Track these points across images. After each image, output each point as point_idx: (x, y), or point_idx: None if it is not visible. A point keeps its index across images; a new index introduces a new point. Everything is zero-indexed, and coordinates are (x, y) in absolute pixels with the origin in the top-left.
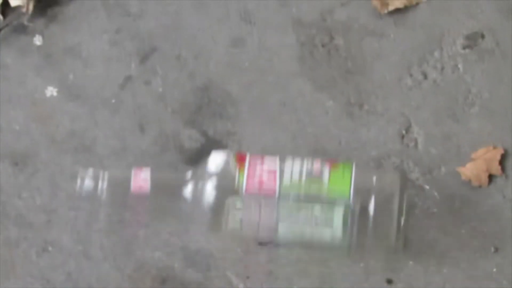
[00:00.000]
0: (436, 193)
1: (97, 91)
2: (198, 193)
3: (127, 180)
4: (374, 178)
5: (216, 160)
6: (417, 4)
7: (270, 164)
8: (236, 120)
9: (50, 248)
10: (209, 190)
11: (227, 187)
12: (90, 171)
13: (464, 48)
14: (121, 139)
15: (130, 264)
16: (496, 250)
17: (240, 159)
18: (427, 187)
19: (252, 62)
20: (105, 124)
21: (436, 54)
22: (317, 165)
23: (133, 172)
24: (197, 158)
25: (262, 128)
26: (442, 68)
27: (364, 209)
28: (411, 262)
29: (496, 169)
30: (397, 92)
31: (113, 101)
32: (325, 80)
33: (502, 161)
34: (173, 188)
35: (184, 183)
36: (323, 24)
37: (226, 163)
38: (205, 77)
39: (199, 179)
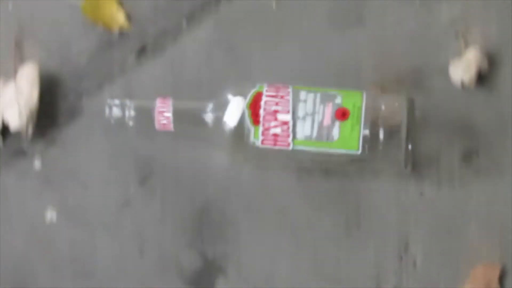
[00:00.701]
0: None
1: (96, 215)
2: (217, 123)
3: (153, 110)
4: (383, 107)
5: (232, 109)
6: None
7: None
8: (236, 242)
9: None
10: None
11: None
12: (117, 101)
13: (460, 165)
14: (121, 263)
15: None
16: None
17: (255, 115)
18: None
19: (250, 183)
20: (105, 249)
21: (433, 171)
22: (327, 121)
23: (155, 110)
24: (197, 280)
25: (261, 250)
26: (439, 186)
27: (374, 136)
28: None
29: (495, 286)
30: (394, 211)
31: (113, 224)
32: (323, 199)
33: (501, 278)
34: (195, 118)
35: (204, 113)
36: None
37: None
38: (204, 199)
39: (218, 114)
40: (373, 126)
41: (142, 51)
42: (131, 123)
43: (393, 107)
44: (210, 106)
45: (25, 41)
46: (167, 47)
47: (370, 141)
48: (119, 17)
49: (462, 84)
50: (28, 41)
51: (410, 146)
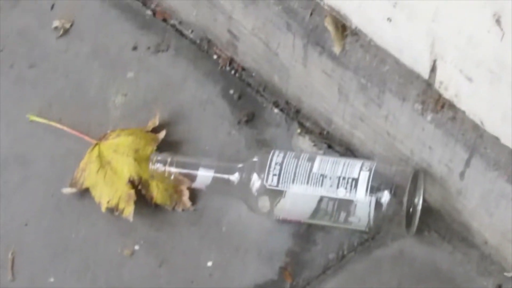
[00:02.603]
0: None
1: None
2: (243, 183)
3: (191, 169)
4: (392, 171)
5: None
6: None
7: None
8: None
9: None
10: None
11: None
12: (160, 156)
13: None
14: None
15: None
16: None
17: None
18: None
19: None
20: None
21: None
22: None
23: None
24: None
25: None
26: None
27: (379, 201)
28: None
29: None
30: None
31: None
32: None
33: None
34: (225, 178)
35: (233, 172)
36: None
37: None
38: None
39: (245, 173)
40: (379, 195)
41: None
42: (171, 177)
43: (399, 177)
44: (237, 170)
45: None
46: None
47: (375, 209)
48: None
49: None
50: None
51: (411, 210)
